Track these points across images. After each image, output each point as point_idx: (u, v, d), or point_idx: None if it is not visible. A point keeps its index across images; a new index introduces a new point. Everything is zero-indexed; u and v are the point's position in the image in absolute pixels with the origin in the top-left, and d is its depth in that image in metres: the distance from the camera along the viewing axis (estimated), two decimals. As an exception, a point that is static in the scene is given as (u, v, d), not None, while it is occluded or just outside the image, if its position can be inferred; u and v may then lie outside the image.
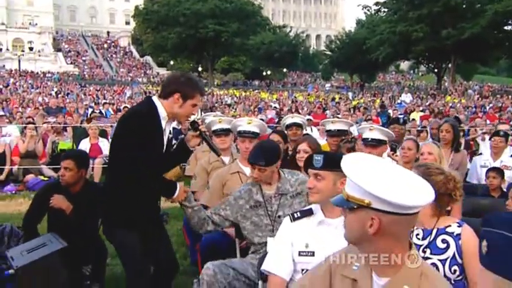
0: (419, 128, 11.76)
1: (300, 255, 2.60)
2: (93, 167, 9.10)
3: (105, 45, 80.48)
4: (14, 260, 3.62)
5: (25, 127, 9.77)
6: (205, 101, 24.41)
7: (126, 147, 3.02)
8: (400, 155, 4.70)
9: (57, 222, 4.21)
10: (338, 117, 13.25)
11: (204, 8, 57.42)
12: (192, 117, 3.38)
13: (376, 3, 55.77)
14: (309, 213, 2.69)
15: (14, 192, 8.65)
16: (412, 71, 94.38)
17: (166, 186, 3.25)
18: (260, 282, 2.79)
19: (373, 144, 4.21)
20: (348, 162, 1.71)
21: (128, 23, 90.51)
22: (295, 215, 2.71)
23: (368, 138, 4.25)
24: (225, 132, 4.81)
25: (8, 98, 23.59)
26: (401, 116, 18.59)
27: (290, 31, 68.29)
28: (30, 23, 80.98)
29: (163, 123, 3.17)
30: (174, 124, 8.48)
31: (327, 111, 19.71)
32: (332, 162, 2.57)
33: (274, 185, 3.34)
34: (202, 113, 13.24)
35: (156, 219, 3.48)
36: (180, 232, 5.80)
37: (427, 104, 25.08)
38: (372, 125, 4.66)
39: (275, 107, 23.02)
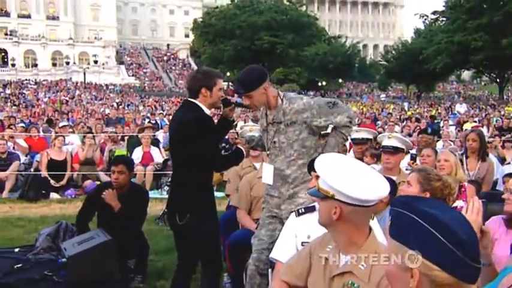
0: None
1: (302, 245, 2.93)
2: (144, 174, 9.72)
3: (165, 58, 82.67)
4: (66, 251, 4.18)
5: (85, 136, 10.52)
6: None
7: (194, 152, 3.39)
8: (420, 162, 4.95)
9: (106, 219, 4.71)
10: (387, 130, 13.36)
11: (260, 20, 58.22)
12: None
13: (434, 12, 54.87)
14: (312, 209, 3.03)
15: (73, 196, 9.31)
16: (474, 81, 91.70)
17: (236, 154, 3.70)
18: (269, 270, 3.16)
19: (391, 152, 4.47)
20: (320, 160, 2.10)
21: (187, 35, 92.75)
22: (299, 210, 3.04)
23: (386, 146, 4.53)
24: None
25: (73, 109, 24.89)
26: (453, 126, 18.45)
27: (345, 41, 68.04)
28: (95, 37, 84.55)
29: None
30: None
31: (378, 122, 19.74)
32: None
33: (274, 111, 3.50)
34: (251, 121, 13.73)
35: None
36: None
37: (484, 114, 24.50)
38: (390, 133, 4.94)
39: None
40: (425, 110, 33.49)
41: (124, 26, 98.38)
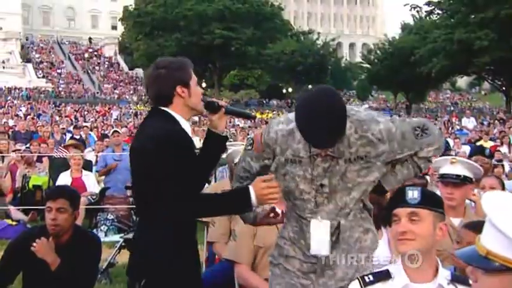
0: (494, 162, 11.65)
1: None
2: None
3: (86, 55, 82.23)
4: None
5: (-11, 157, 9.86)
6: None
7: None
8: (480, 197, 4.54)
9: (38, 282, 4.17)
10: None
11: (210, 9, 58.56)
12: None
13: (428, 3, 56.12)
14: (386, 276, 2.59)
15: (-27, 240, 8.66)
16: (472, 90, 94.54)
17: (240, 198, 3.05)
18: None
19: (456, 183, 4.06)
20: (495, 205, 1.56)
21: (114, 27, 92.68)
22: (366, 278, 2.60)
23: (447, 175, 4.12)
24: None
25: (-35, 119, 24.06)
26: (467, 145, 18.57)
27: (317, 38, 68.92)
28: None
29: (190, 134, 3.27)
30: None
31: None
32: (432, 198, 2.65)
33: None
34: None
35: None
36: None
37: (499, 131, 24.82)
38: (454, 156, 4.52)
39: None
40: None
41: (32, 13, 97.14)
